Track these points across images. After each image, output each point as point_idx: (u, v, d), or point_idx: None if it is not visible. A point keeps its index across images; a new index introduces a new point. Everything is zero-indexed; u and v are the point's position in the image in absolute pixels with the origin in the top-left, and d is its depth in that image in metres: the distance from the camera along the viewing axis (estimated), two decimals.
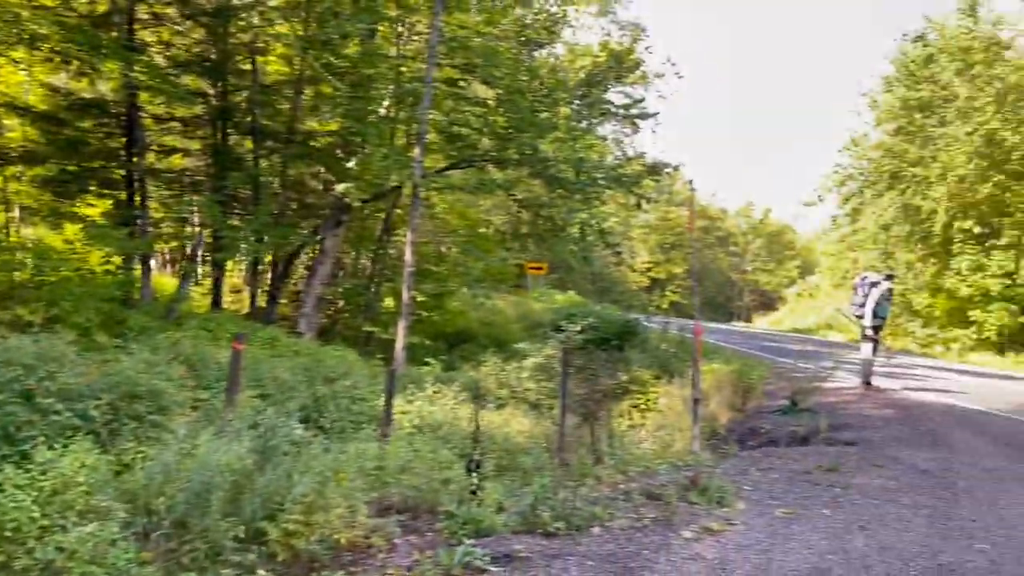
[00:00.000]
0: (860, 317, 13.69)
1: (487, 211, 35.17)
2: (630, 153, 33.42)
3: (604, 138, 27.84)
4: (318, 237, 19.42)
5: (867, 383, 13.71)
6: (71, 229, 19.81)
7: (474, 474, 7.13)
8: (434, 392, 12.43)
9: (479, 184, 17.85)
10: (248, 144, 20.22)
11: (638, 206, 19.81)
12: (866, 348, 13.58)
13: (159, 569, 4.66)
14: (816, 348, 21.08)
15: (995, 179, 25.27)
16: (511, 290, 33.01)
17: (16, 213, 21.41)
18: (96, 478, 5.23)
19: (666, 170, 20.84)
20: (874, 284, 13.54)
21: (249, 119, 19.22)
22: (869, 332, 13.40)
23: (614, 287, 62.89)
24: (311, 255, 21.04)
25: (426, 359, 16.83)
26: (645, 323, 21.02)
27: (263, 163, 19.80)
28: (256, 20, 18.93)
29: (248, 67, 19.61)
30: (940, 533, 6.15)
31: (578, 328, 18.39)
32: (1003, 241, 25.18)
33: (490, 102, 19.43)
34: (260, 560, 5.04)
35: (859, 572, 5.34)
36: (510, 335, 22.23)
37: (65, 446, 5.47)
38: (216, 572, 4.80)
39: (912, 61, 31.12)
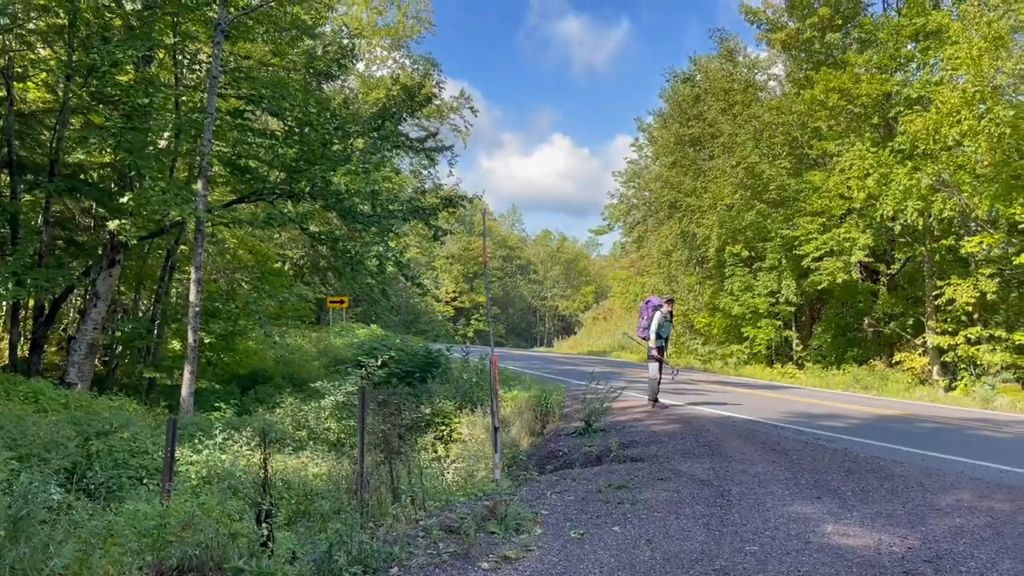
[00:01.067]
0: (645, 339, 14.52)
1: (282, 245, 34.06)
2: (428, 186, 33.82)
3: (399, 171, 27.89)
4: (90, 278, 17.84)
5: (654, 401, 14.53)
6: None
7: (264, 524, 6.75)
8: (224, 439, 11.75)
9: (269, 218, 17.16)
10: (4, 178, 18.27)
11: (435, 238, 19.89)
12: (653, 368, 14.40)
13: None
14: (609, 369, 22.17)
15: (757, 207, 27.95)
16: (310, 326, 32.04)
17: None
18: None
19: (463, 201, 21.14)
20: (657, 307, 14.44)
21: (5, 150, 17.37)
22: (654, 352, 14.24)
23: (419, 318, 62.95)
24: (82, 298, 19.27)
25: (216, 404, 15.90)
26: (449, 353, 21.11)
27: (23, 198, 17.96)
28: (13, 43, 17.23)
29: (2, 94, 17.76)
30: (715, 539, 6.58)
31: (379, 363, 18.19)
32: (767, 263, 27.84)
33: (279, 134, 18.86)
34: None
35: None
36: (310, 373, 21.53)
37: None
38: None
39: (683, 100, 33.96)
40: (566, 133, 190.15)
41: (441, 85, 31.59)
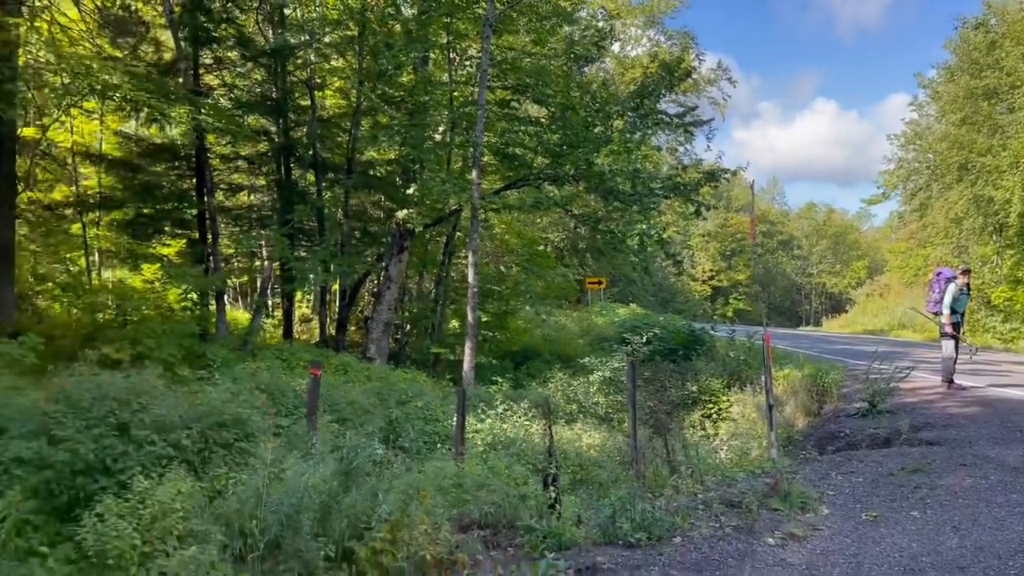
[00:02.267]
0: (937, 314, 13.29)
1: (544, 229, 35.32)
2: (686, 161, 33.25)
3: (659, 148, 27.72)
4: (382, 264, 19.79)
5: (949, 381, 13.26)
6: (149, 269, 20.67)
7: (551, 488, 7.18)
8: (504, 410, 12.53)
9: (536, 202, 17.96)
10: (311, 177, 20.78)
11: (697, 214, 19.59)
12: (947, 346, 13.15)
13: None
14: (891, 349, 20.52)
15: None
16: (572, 306, 33.01)
17: (96, 257, 22.33)
18: (192, 504, 5.44)
19: (724, 176, 20.59)
20: (950, 279, 13.15)
21: (310, 153, 19.76)
22: (948, 329, 12.99)
23: (676, 297, 62.28)
24: (376, 282, 21.44)
25: (493, 378, 16.97)
26: (711, 332, 20.77)
27: (326, 195, 20.31)
28: (312, 57, 19.50)
29: (307, 103, 20.19)
30: None
31: (644, 340, 18.35)
32: None
33: (543, 120, 19.58)
34: None
35: (954, 573, 5.21)
36: (575, 350, 22.24)
37: (161, 475, 5.71)
38: None
39: (975, 48, 30.24)
40: (830, 97, 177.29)
41: (701, 57, 30.92)
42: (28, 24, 13.94)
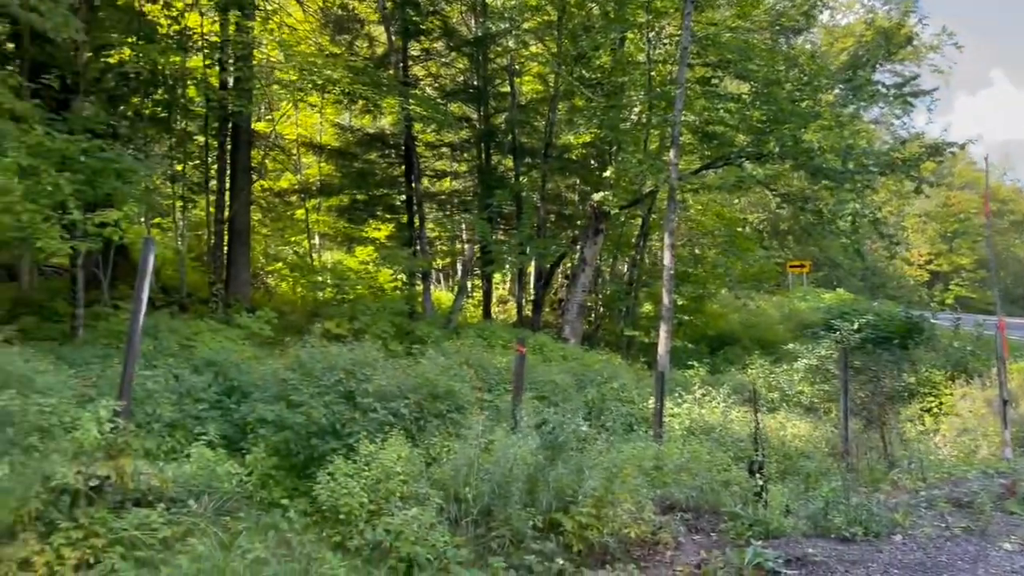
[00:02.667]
0: None
1: (742, 209, 34.02)
2: (904, 135, 30.70)
3: (875, 122, 25.84)
4: (577, 246, 19.98)
5: None
6: (361, 252, 22.19)
7: (757, 476, 6.98)
8: (703, 395, 12.29)
9: (737, 182, 17.36)
10: (509, 162, 21.34)
11: (918, 191, 18.07)
12: None
13: (471, 553, 5.09)
14: None
15: None
16: (773, 290, 31.62)
17: (316, 240, 24.26)
18: (411, 469, 5.83)
19: (950, 149, 18.81)
20: None
21: (509, 138, 20.28)
22: None
23: (887, 283, 57.89)
24: (571, 264, 21.69)
25: (689, 362, 16.67)
26: (931, 320, 19.18)
27: (523, 179, 20.78)
28: (512, 44, 19.96)
29: (506, 89, 20.72)
30: None
31: (855, 327, 17.27)
32: None
33: (745, 96, 18.84)
34: (557, 549, 5.32)
35: None
36: (775, 337, 21.34)
37: (384, 440, 6.16)
38: (520, 558, 5.14)
39: None
40: None
41: (923, 22, 28.40)
42: (262, 26, 15.31)
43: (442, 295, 24.11)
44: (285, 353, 9.23)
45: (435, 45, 20.05)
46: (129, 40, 13.52)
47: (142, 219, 16.72)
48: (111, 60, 14.34)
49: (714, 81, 19.02)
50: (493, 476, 5.53)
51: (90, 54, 12.36)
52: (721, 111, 18.21)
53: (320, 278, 18.46)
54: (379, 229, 21.92)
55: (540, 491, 5.65)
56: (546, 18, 19.79)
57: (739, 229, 25.03)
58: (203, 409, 7.20)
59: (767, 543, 5.89)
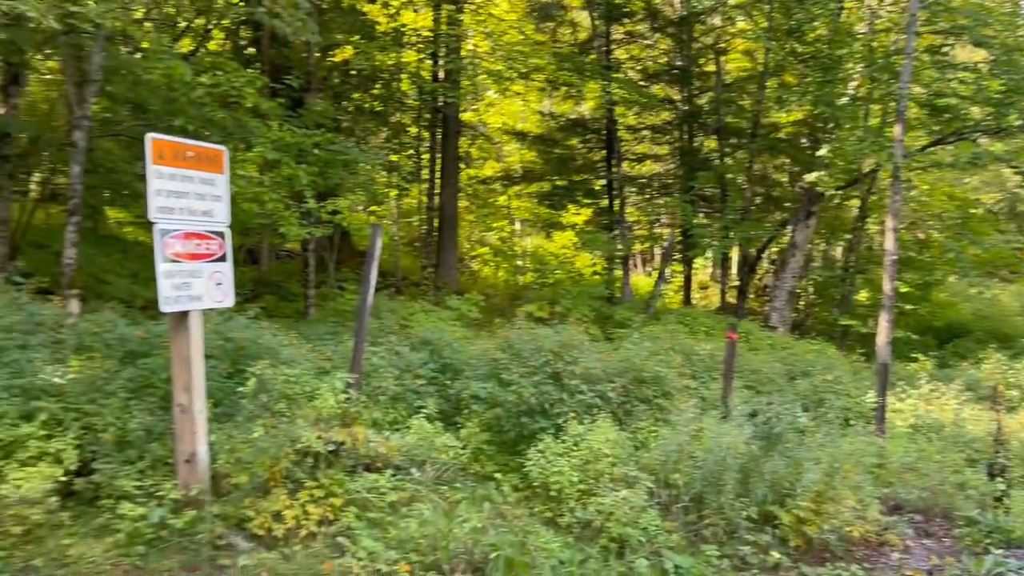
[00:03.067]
0: None
1: (975, 189, 30.90)
2: None
3: None
4: (786, 230, 19.10)
5: None
6: (559, 237, 22.55)
7: (998, 479, 6.40)
8: (931, 390, 11.38)
9: (972, 159, 15.77)
10: (713, 143, 20.76)
11: None
12: None
13: (682, 539, 5.08)
14: None
15: None
16: (1011, 279, 28.51)
17: (517, 226, 24.94)
18: (619, 451, 5.89)
19: None
20: None
21: (714, 119, 19.72)
22: None
23: None
24: (778, 249, 20.78)
25: (912, 355, 15.49)
26: None
27: (728, 160, 20.13)
28: (718, 21, 19.34)
29: (712, 68, 20.14)
30: None
31: None
32: None
33: (981, 66, 17.07)
34: (773, 542, 5.18)
35: None
36: (1013, 329, 19.31)
37: (592, 422, 6.27)
38: (733, 548, 5.06)
39: None
40: None
41: None
42: (472, 18, 15.91)
43: (640, 280, 23.95)
44: (494, 334, 9.61)
45: (638, 27, 19.84)
46: (352, 39, 14.54)
47: (360, 207, 17.98)
48: (335, 59, 15.52)
49: (944, 49, 17.36)
50: (706, 464, 5.46)
51: (318, 55, 13.44)
52: (953, 82, 16.63)
53: (521, 263, 19.01)
54: (578, 214, 22.15)
55: (754, 482, 5.52)
56: None
57: (972, 211, 22.78)
58: (421, 384, 7.66)
59: (1009, 553, 5.41)
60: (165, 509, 4.94)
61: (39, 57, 10.99)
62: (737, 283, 20.88)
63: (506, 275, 19.51)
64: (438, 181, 17.63)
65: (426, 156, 17.97)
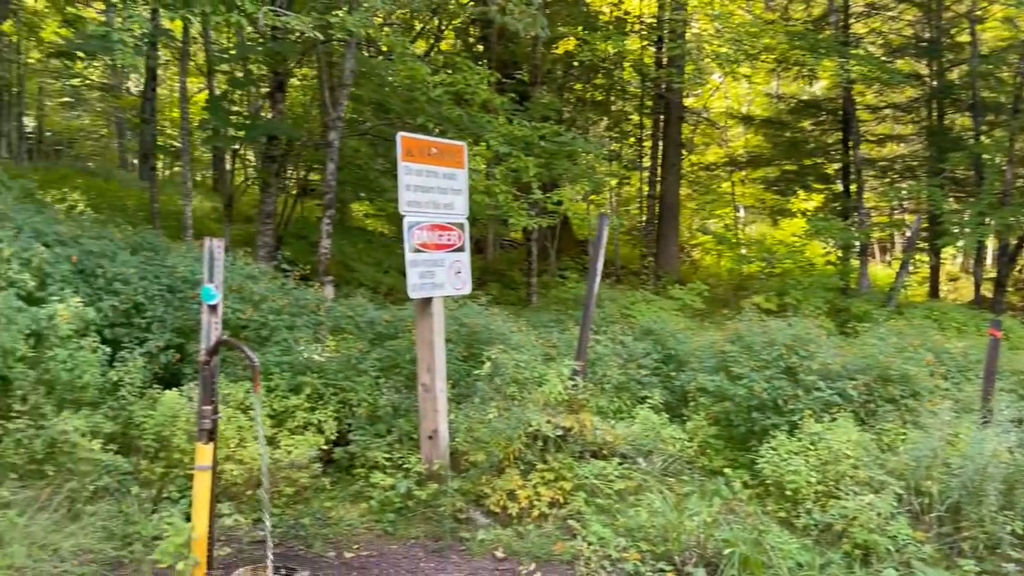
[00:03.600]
0: None
1: None
2: None
3: None
4: None
5: None
6: (787, 225, 21.48)
7: None
8: None
9: None
10: (964, 121, 18.81)
11: None
12: None
13: (936, 551, 4.71)
14: None
15: None
16: None
17: (741, 213, 24.10)
18: (862, 453, 5.55)
19: None
20: None
21: (968, 93, 17.85)
22: None
23: None
24: None
25: None
26: None
27: (985, 139, 18.13)
28: None
29: (966, 39, 18.22)
30: None
31: None
32: None
33: None
34: None
35: None
36: None
37: (832, 420, 5.95)
38: (995, 565, 4.62)
39: None
40: None
41: None
42: (699, 0, 15.54)
43: (878, 271, 22.26)
44: (720, 326, 9.38)
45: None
46: (575, 31, 14.74)
47: (579, 197, 18.19)
48: (558, 52, 15.80)
49: None
50: (963, 472, 5.01)
51: (543, 48, 13.76)
52: None
53: (745, 251, 18.29)
54: (808, 200, 20.98)
55: (1019, 494, 4.99)
56: None
57: None
58: (645, 375, 7.65)
59: None
60: (411, 481, 5.34)
61: (294, 66, 12.16)
62: (994, 275, 18.79)
63: (730, 264, 18.87)
64: (659, 169, 17.44)
65: (647, 144, 17.82)
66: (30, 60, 21.49)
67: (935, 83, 18.20)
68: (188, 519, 4.08)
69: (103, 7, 16.26)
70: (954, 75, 18.48)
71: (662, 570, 4.51)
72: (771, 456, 5.68)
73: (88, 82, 24.41)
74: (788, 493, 5.41)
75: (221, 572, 3.84)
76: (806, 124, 19.59)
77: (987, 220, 16.14)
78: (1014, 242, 18.04)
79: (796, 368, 6.69)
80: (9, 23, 17.68)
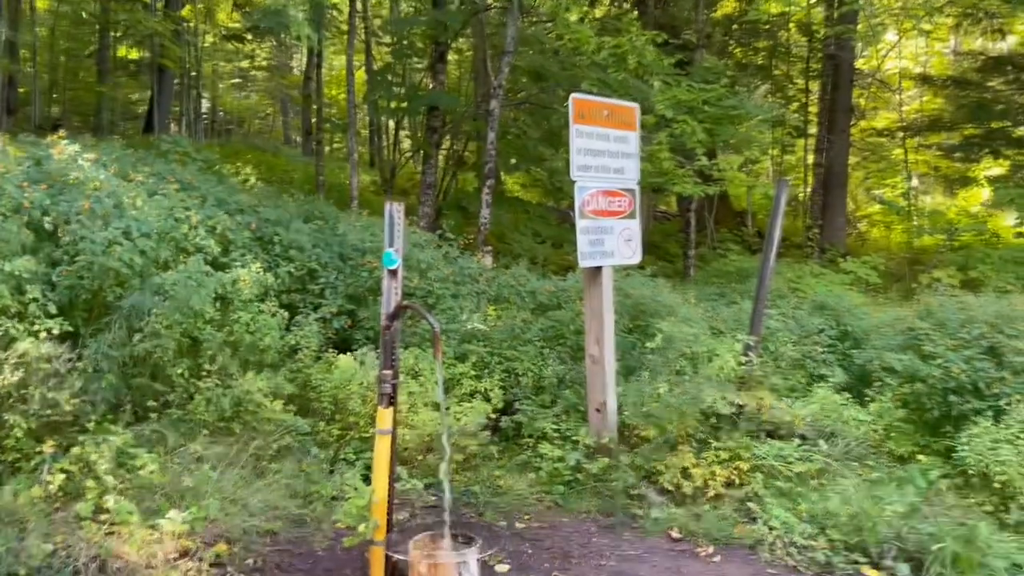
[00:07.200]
0: None
1: None
2: None
3: None
4: None
5: None
6: (968, 194, 19.73)
7: None
8: None
9: None
10: None
11: None
12: None
13: None
14: None
15: None
16: None
17: (915, 182, 22.29)
18: None
19: None
20: None
21: None
22: None
23: None
24: None
25: None
26: None
27: None
28: None
29: None
30: None
31: None
32: None
33: None
34: None
35: None
36: None
37: None
38: None
39: None
40: None
41: None
42: None
43: None
44: (903, 301, 8.70)
45: None
46: None
47: (739, 166, 17.40)
48: (717, 15, 15.09)
49: None
50: None
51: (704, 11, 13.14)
52: None
53: (919, 222, 16.90)
54: (991, 168, 19.08)
55: None
56: None
57: None
58: (821, 352, 7.19)
59: None
60: (579, 454, 5.22)
61: (454, 37, 12.19)
62: None
63: (902, 237, 17.50)
64: (827, 136, 16.37)
65: (813, 109, 16.74)
66: (205, 44, 22.89)
67: None
68: (366, 481, 4.13)
69: None
70: None
71: (856, 562, 4.18)
72: (974, 444, 5.14)
73: (256, 64, 25.76)
74: (996, 486, 4.88)
75: (399, 536, 3.85)
76: (996, 83, 17.76)
77: None
78: None
79: (1001, 348, 6.04)
80: (187, 9, 18.82)
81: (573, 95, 5.21)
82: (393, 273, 3.87)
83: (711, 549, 4.41)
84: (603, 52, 8.83)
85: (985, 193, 19.80)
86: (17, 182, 5.36)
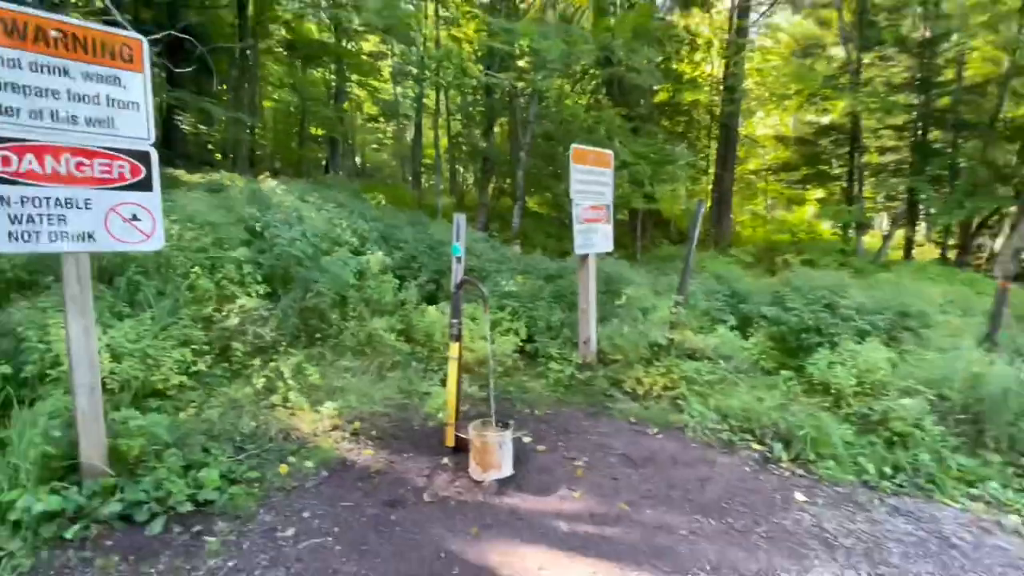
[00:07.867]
0: None
1: None
2: None
3: None
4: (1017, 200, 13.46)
5: None
6: (800, 211, 18.69)
7: None
8: None
9: None
10: (939, 134, 15.28)
11: None
12: None
13: (962, 444, 3.65)
14: None
15: None
16: None
17: (770, 202, 21.26)
18: (891, 367, 4.45)
19: None
20: None
21: (952, 115, 14.45)
22: None
23: None
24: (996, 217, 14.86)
25: None
26: None
27: (961, 149, 14.69)
28: (957, 38, 13.87)
29: (949, 76, 14.66)
30: None
31: None
32: None
33: None
34: None
35: None
36: None
37: (860, 342, 4.84)
38: (1015, 457, 3.50)
39: None
40: None
41: None
42: (751, 61, 13.37)
43: (867, 240, 18.96)
44: (771, 275, 8.10)
45: (887, 52, 15.08)
46: (668, 86, 13.13)
47: (670, 190, 16.55)
48: (656, 100, 14.17)
49: None
50: (981, 385, 3.84)
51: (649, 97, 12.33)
52: None
53: (773, 226, 16.09)
54: (815, 192, 18.00)
55: None
56: (1003, 8, 13.10)
57: None
58: (720, 306, 6.69)
59: None
60: (573, 368, 4.85)
61: (498, 114, 11.56)
62: (958, 243, 15.48)
63: (764, 234, 16.72)
64: (720, 172, 15.50)
65: (712, 157, 15.87)
66: (358, 123, 22.32)
67: (924, 109, 14.85)
68: (443, 385, 3.80)
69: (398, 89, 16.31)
70: (939, 104, 14.97)
71: (747, 440, 3.79)
72: (818, 363, 4.69)
73: (386, 135, 25.11)
74: (832, 392, 4.43)
75: (464, 421, 3.53)
76: (824, 142, 16.69)
77: (964, 203, 13.17)
78: (976, 221, 14.77)
79: (835, 304, 5.53)
80: (347, 104, 18.30)
81: (573, 145, 4.73)
82: (459, 259, 3.50)
83: (656, 430, 4.04)
84: (588, 121, 8.33)
85: (811, 210, 18.85)
86: (242, 203, 5.07)
